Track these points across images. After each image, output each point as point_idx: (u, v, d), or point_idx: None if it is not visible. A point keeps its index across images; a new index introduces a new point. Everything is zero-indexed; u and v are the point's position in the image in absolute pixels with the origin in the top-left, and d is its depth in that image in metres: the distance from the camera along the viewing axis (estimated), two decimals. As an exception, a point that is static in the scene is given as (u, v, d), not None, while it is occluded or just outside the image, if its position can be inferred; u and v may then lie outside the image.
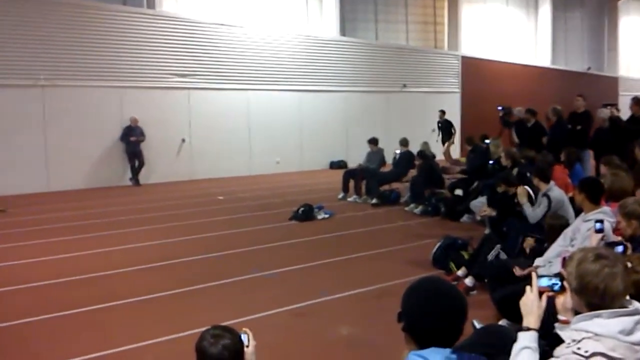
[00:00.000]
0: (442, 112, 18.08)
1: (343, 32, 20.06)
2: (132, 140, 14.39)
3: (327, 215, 9.53)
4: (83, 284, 5.91)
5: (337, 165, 18.04)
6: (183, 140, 15.70)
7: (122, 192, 13.26)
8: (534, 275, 2.44)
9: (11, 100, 12.92)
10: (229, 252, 7.23)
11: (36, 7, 13.27)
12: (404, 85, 20.59)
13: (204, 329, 2.26)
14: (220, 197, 12.16)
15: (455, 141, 18.08)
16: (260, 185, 14.13)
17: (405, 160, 11.81)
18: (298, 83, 17.87)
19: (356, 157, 14.26)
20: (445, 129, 17.94)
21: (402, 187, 11.65)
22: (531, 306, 2.21)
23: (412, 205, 10.23)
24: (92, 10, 14.19)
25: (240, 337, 2.28)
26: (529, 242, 5.49)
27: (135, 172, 14.63)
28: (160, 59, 15.26)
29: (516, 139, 11.40)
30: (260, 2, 18.29)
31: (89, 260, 6.94)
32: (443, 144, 17.69)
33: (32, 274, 6.23)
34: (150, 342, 4.32)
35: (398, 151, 12.16)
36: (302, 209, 9.32)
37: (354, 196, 11.45)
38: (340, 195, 11.58)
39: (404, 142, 12.03)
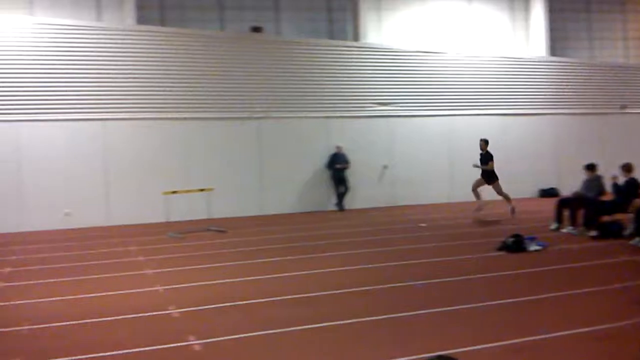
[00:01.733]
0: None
1: (553, 51, 18.87)
2: (337, 167, 15.01)
3: (539, 247, 8.86)
4: (297, 303, 6.16)
5: (548, 193, 16.87)
6: (385, 167, 15.93)
7: (328, 217, 13.81)
8: None
9: (231, 130, 14.33)
10: (436, 280, 7.05)
11: (253, 46, 14.68)
12: (624, 106, 18.63)
13: (423, 356, 2.14)
14: (423, 224, 12.02)
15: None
16: (461, 213, 13.71)
17: (629, 188, 10.56)
18: (502, 107, 17.17)
19: (569, 185, 13.18)
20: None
21: (626, 218, 10.42)
22: None
23: (637, 239, 9.09)
24: (302, 46, 15.25)
25: None
26: None
27: (340, 197, 15.18)
28: (363, 88, 15.79)
29: None
30: (464, 27, 18.03)
31: (299, 280, 7.25)
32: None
33: (249, 291, 6.69)
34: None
35: (620, 178, 10.93)
36: (512, 239, 8.79)
37: (569, 227, 10.51)
38: (553, 226, 10.72)
39: (628, 168, 10.77)
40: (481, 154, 12.91)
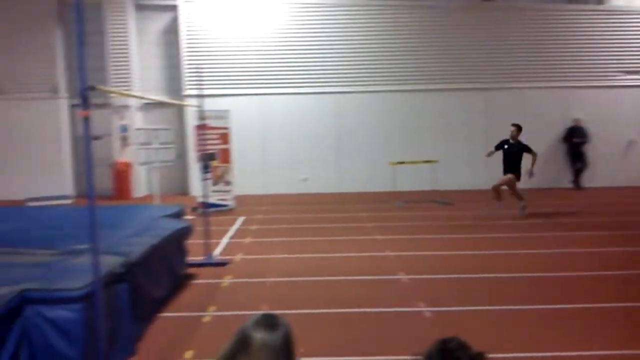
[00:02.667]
0: None
1: None
2: (575, 141, 13.91)
3: None
4: (532, 283, 5.97)
5: None
6: (632, 141, 14.32)
7: (562, 195, 12.94)
8: None
9: (457, 102, 14.13)
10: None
11: (482, 15, 14.15)
12: None
13: None
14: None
15: None
16: None
17: None
18: None
19: None
20: None
21: None
22: None
23: None
24: (531, 11, 14.29)
25: None
26: None
27: (577, 173, 14.09)
28: (607, 56, 14.29)
29: None
30: None
31: (532, 259, 6.98)
32: None
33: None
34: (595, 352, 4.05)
35: None
36: None
37: None
38: None
39: None
40: None
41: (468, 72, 14.23)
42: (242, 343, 1.70)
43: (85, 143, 3.35)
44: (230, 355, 1.71)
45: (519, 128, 10.20)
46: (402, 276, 6.19)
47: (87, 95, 3.20)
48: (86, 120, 3.29)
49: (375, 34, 14.13)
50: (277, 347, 1.70)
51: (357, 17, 14.16)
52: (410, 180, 13.15)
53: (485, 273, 6.28)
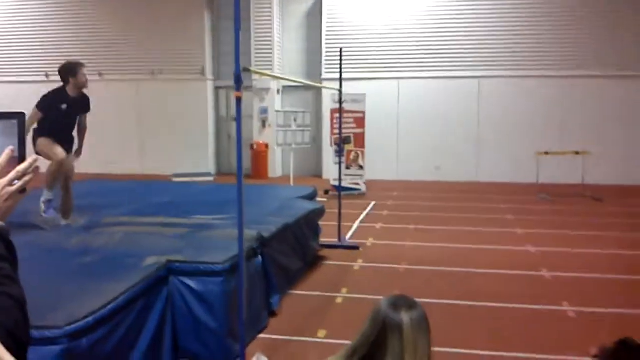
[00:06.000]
0: None
1: None
2: None
3: None
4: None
5: None
6: None
7: None
8: None
9: (609, 90, 12.92)
10: None
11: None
12: None
13: None
14: None
15: None
16: None
17: None
18: None
19: None
20: None
21: None
22: None
23: None
24: None
25: None
26: None
27: None
28: None
29: None
30: None
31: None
32: None
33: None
34: None
35: None
36: None
37: None
38: None
39: None
40: None
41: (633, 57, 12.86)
42: (390, 327, 1.64)
43: (237, 123, 3.46)
44: (379, 340, 1.64)
45: None
46: (544, 272, 5.79)
47: (241, 77, 3.32)
48: (238, 101, 3.42)
49: (523, 12, 13.24)
50: (424, 324, 1.67)
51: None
52: (555, 172, 12.28)
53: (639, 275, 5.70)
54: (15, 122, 1.17)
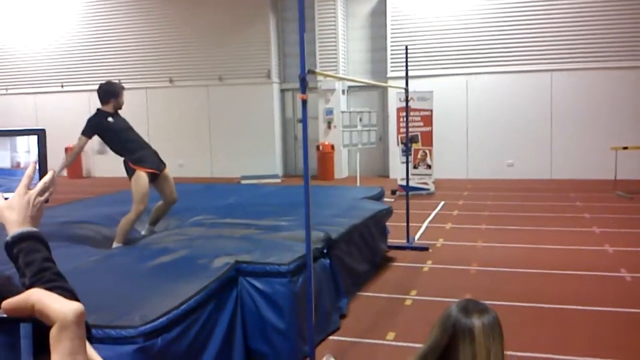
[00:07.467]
0: None
1: None
2: None
3: None
4: None
5: None
6: None
7: None
8: None
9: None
10: None
11: None
12: None
13: None
14: None
15: None
16: None
17: None
18: None
19: None
20: None
21: None
22: None
23: None
24: None
25: None
26: None
27: None
28: None
29: None
30: None
31: None
32: None
33: None
34: None
35: None
36: None
37: None
38: None
39: None
40: None
41: None
42: (461, 332, 1.59)
43: (303, 125, 3.48)
44: (450, 346, 1.60)
45: None
46: (624, 274, 5.50)
47: (306, 79, 3.33)
48: (304, 103, 3.43)
49: (599, 1, 12.64)
50: (497, 329, 1.61)
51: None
52: (635, 169, 11.67)
53: None
54: (35, 137, 1.28)
